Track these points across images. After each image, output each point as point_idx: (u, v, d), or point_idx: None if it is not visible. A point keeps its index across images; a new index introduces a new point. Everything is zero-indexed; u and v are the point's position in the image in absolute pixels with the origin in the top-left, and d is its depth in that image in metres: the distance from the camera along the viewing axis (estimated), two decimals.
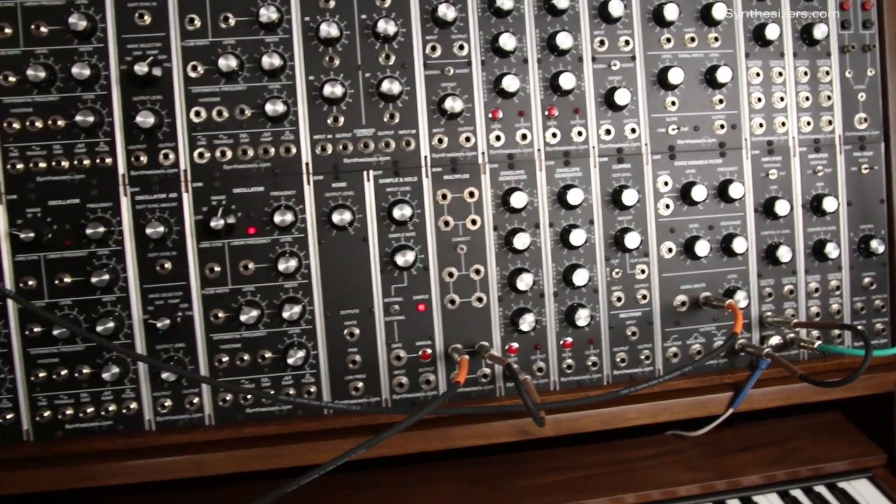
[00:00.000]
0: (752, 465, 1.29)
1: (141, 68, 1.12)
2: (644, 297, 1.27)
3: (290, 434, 1.20)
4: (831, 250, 1.29)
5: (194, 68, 1.16)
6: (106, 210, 1.15)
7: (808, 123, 1.31)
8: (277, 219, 1.16)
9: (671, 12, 1.24)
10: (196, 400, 1.18)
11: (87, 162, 1.14)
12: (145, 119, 1.13)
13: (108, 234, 1.14)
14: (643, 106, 1.26)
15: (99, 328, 1.13)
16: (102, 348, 1.15)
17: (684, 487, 1.25)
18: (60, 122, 1.13)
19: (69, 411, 1.16)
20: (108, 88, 1.14)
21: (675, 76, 1.24)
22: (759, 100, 1.30)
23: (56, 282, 1.13)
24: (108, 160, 1.15)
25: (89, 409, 1.16)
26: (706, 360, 1.21)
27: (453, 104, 1.19)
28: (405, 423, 1.00)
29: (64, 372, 1.15)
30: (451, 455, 1.26)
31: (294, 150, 1.18)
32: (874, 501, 1.23)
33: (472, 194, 1.22)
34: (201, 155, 1.16)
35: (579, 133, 1.24)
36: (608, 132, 1.25)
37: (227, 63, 1.14)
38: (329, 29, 1.16)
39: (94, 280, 1.13)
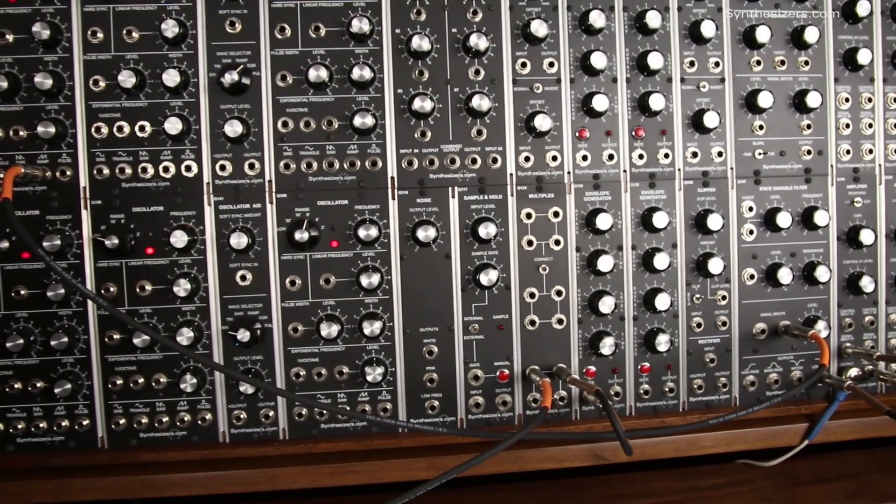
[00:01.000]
0: (825, 498, 1.26)
1: (231, 76, 1.11)
2: (724, 323, 1.25)
3: (364, 451, 1.19)
4: None
5: (283, 78, 1.14)
6: (189, 219, 1.14)
7: None
8: (362, 233, 1.14)
9: (763, 35, 1.22)
10: (271, 413, 1.17)
11: (172, 169, 1.13)
12: (233, 128, 1.12)
13: (191, 243, 1.13)
14: (730, 129, 1.24)
15: (178, 338, 1.12)
16: (181, 357, 1.14)
17: None
18: (148, 129, 1.12)
19: (144, 420, 1.15)
20: (196, 96, 1.13)
21: (763, 100, 1.22)
22: (847, 126, 1.27)
23: (137, 290, 1.12)
24: (194, 168, 1.13)
25: (164, 419, 1.15)
26: (795, 392, 1.20)
27: (542, 122, 1.17)
28: (504, 444, 0.99)
29: (141, 380, 1.14)
30: (520, 478, 1.25)
31: (380, 164, 1.17)
32: None
33: (556, 214, 1.20)
34: (287, 166, 1.15)
35: (666, 155, 1.22)
36: (694, 155, 1.23)
37: (317, 73, 1.13)
38: (420, 42, 1.14)
39: (174, 289, 1.12)
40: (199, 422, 1.16)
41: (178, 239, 1.11)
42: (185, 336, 1.12)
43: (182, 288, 1.12)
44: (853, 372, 1.28)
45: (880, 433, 1.29)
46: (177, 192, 1.13)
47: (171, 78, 1.11)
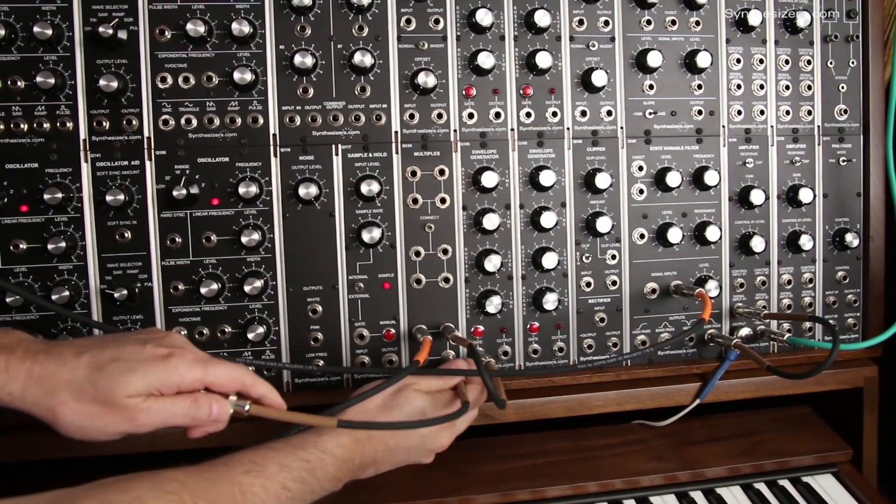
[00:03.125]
0: (717, 457, 1.27)
1: (105, 30, 1.09)
2: (614, 282, 1.25)
3: None
4: (805, 242, 1.28)
5: (161, 32, 1.13)
6: (65, 176, 1.12)
7: (787, 113, 1.29)
8: (242, 190, 1.13)
9: None
10: None
11: (46, 125, 1.11)
12: (108, 83, 1.10)
13: (67, 201, 1.11)
14: (620, 89, 1.24)
15: (54, 297, 1.10)
16: (59, 317, 1.12)
17: (647, 477, 1.23)
18: (20, 83, 1.10)
19: None
20: (71, 50, 1.11)
21: (653, 59, 1.22)
22: (739, 87, 1.28)
23: (11, 248, 1.10)
24: (69, 124, 1.11)
25: None
26: (672, 342, 1.22)
27: (426, 79, 1.16)
28: (363, 397, 0.98)
29: None
30: None
31: (261, 121, 1.15)
32: (837, 496, 1.22)
33: (442, 172, 1.19)
34: (166, 122, 1.13)
35: (554, 114, 1.22)
36: (583, 114, 1.23)
37: (196, 28, 1.11)
38: None
39: (50, 247, 1.10)
40: None
41: (53, 196, 1.09)
42: (60, 295, 1.10)
43: (57, 246, 1.10)
44: (744, 332, 1.29)
45: (772, 392, 1.30)
46: (51, 148, 1.11)
47: (44, 31, 1.08)
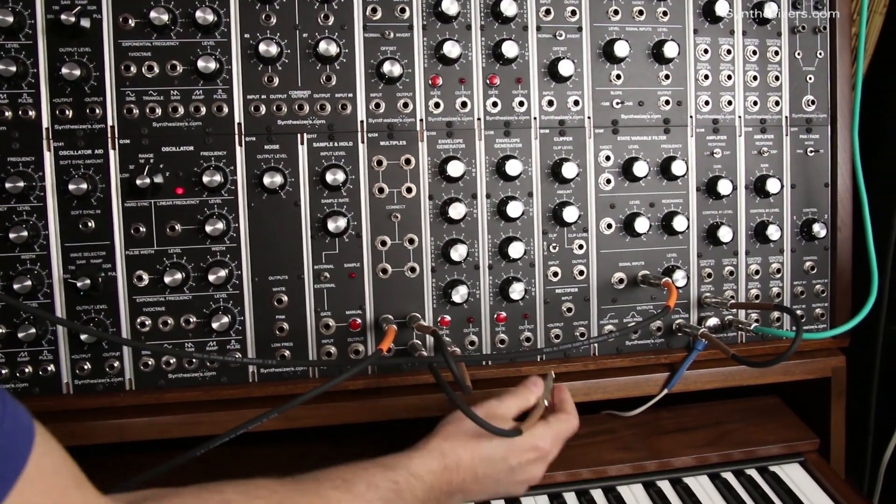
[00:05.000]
0: (685, 447, 1.28)
1: (68, 18, 1.09)
2: (581, 272, 1.25)
3: (214, 401, 1.17)
4: (773, 233, 1.28)
5: (125, 20, 1.12)
6: (27, 164, 1.11)
7: (755, 103, 1.29)
8: (206, 179, 1.13)
9: None
10: (116, 364, 1.15)
11: (8, 114, 1.10)
12: (71, 71, 1.09)
13: (29, 190, 1.11)
14: (587, 78, 1.24)
15: (16, 286, 1.09)
16: (17, 309, 1.11)
17: (615, 467, 1.23)
18: None
19: None
20: (33, 38, 1.10)
21: (620, 49, 1.22)
22: (706, 77, 1.28)
23: None
24: (32, 113, 1.11)
25: (4, 371, 1.12)
26: (638, 327, 1.22)
27: (392, 68, 1.16)
28: (317, 391, 0.97)
29: None
30: (375, 428, 1.24)
31: (226, 110, 1.15)
32: (804, 485, 1.22)
33: (408, 161, 1.19)
34: (130, 111, 1.13)
35: (521, 103, 1.22)
36: (550, 104, 1.23)
37: (159, 16, 1.11)
38: None
39: (12, 236, 1.09)
40: (41, 373, 1.13)
41: (15, 185, 1.09)
42: (22, 285, 1.09)
43: (19, 235, 1.09)
44: (712, 322, 1.29)
45: (740, 382, 1.31)
46: (13, 137, 1.11)
47: (5, 19, 1.08)
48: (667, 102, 1.27)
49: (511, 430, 0.97)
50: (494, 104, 1.21)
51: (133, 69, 1.13)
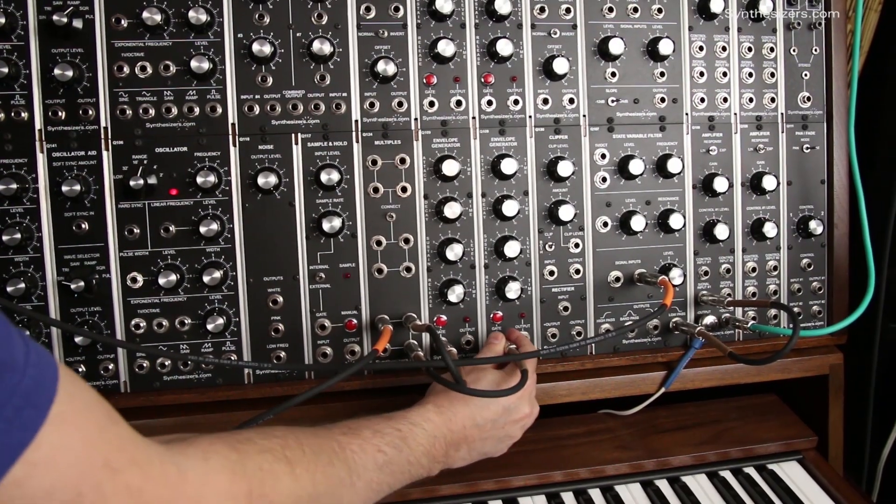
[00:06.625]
0: (682, 445, 1.27)
1: (60, 19, 1.08)
2: (577, 271, 1.25)
3: (209, 403, 1.17)
4: (770, 230, 1.28)
5: (117, 21, 1.12)
6: (20, 166, 1.11)
7: (751, 100, 1.29)
8: (200, 180, 1.12)
9: None
10: (111, 366, 1.14)
11: (0, 115, 1.10)
12: (64, 72, 1.09)
13: (22, 192, 1.10)
14: (582, 76, 1.24)
15: (9, 289, 1.09)
16: (10, 312, 1.11)
17: (613, 466, 1.23)
18: None
19: None
20: (25, 39, 1.10)
21: (615, 47, 1.22)
22: (702, 74, 1.28)
23: None
24: (24, 114, 1.10)
25: None
26: (635, 326, 1.22)
27: (386, 67, 1.15)
28: (313, 391, 0.97)
29: None
30: None
31: (220, 110, 1.14)
32: (802, 483, 1.22)
33: (403, 161, 1.19)
34: (123, 112, 1.12)
35: (516, 102, 1.21)
36: (545, 102, 1.22)
37: (152, 17, 1.10)
38: None
39: (5, 238, 1.09)
40: None
41: (7, 187, 1.08)
42: (15, 287, 1.09)
43: (12, 237, 1.09)
44: (709, 319, 1.29)
45: (737, 380, 1.30)
46: (6, 139, 1.10)
47: None
48: (662, 100, 1.26)
49: (518, 384, 1.03)
50: (489, 103, 1.21)
51: (126, 70, 1.12)
